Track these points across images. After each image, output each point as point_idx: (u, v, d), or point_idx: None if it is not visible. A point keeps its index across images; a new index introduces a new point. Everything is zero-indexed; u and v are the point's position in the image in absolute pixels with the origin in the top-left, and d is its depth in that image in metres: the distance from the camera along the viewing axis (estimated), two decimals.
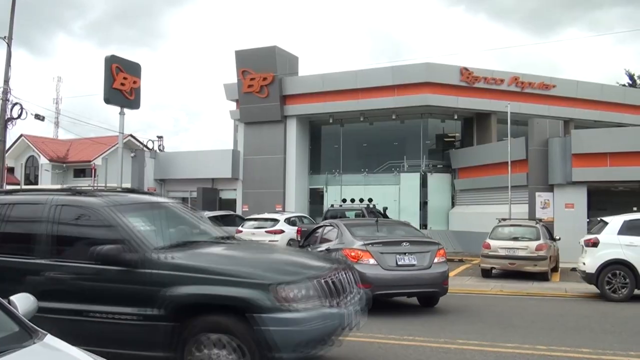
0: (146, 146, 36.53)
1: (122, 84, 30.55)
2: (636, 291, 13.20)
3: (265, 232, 20.97)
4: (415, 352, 7.82)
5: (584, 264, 13.78)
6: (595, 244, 13.62)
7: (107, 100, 30.26)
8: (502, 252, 17.25)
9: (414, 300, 12.39)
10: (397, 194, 29.32)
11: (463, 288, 15.61)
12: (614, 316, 11.16)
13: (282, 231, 21.22)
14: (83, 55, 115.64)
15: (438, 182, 29.70)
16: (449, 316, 11.02)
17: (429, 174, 29.46)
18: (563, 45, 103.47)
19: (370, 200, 24.88)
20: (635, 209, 21.07)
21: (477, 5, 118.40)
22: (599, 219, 15.40)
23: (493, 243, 17.62)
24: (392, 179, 29.81)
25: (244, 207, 29.94)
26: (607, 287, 13.17)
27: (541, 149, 22.81)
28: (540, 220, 19.57)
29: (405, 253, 11.01)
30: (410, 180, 29.40)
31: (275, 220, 21.77)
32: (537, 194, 22.63)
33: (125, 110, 31.24)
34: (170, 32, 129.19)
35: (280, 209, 27.84)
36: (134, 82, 31.35)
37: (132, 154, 33.03)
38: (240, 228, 21.87)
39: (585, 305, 12.61)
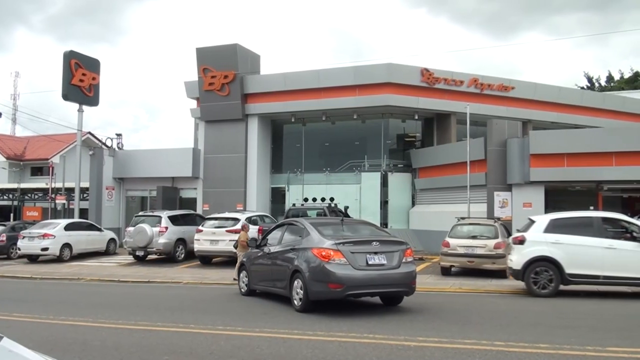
0: (105, 144, 35.98)
1: (80, 80, 30.09)
2: (562, 287, 13.69)
3: (226, 231, 20.80)
4: (375, 349, 7.82)
5: (511, 260, 14.19)
6: (522, 241, 14.05)
7: (66, 96, 29.78)
8: (461, 251, 17.48)
9: (373, 298, 12.48)
10: (358, 193, 29.40)
11: (423, 286, 15.70)
12: (571, 312, 11.38)
13: None
14: (42, 51, 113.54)
15: (398, 182, 29.87)
16: (409, 314, 11.08)
17: (389, 174, 29.60)
18: (522, 49, 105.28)
19: (331, 199, 24.91)
20: (592, 207, 21.50)
21: (439, 8, 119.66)
22: (528, 217, 15.87)
23: (452, 241, 17.85)
24: (353, 178, 29.88)
25: (205, 206, 29.66)
26: (532, 283, 13.63)
27: (500, 149, 23.12)
28: (498, 219, 19.85)
29: (375, 253, 10.99)
30: (371, 180, 29.51)
31: (236, 220, 21.60)
32: (495, 193, 22.92)
33: (84, 107, 30.79)
34: (132, 28, 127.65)
35: (242, 208, 27.64)
36: (93, 79, 30.90)
37: (91, 152, 32.46)
38: (200, 227, 21.66)
39: (542, 302, 12.80)
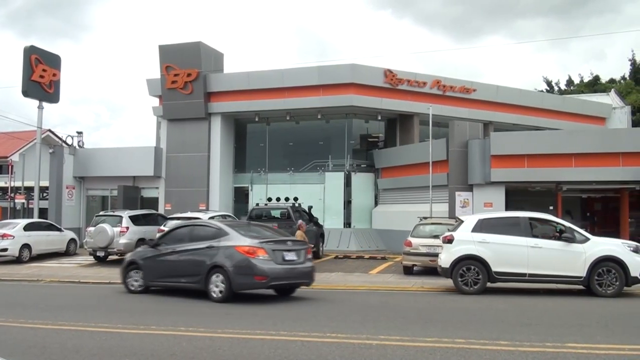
0: (65, 142, 35.31)
1: (41, 76, 29.55)
2: (489, 284, 14.11)
3: None
4: (337, 348, 7.86)
5: (440, 259, 14.61)
6: (450, 240, 14.44)
7: (25, 92, 29.20)
8: (423, 250, 17.69)
9: (339, 297, 12.57)
10: (322, 192, 29.46)
11: (385, 285, 15.89)
12: (532, 310, 11.59)
13: None
14: (2, 45, 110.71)
15: (362, 182, 30.01)
16: (371, 312, 11.17)
17: (353, 174, 29.73)
18: (485, 52, 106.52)
19: (295, 199, 24.89)
20: (551, 207, 21.98)
21: (403, 10, 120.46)
22: (457, 217, 16.16)
23: (414, 241, 18.06)
24: (317, 178, 29.93)
25: (167, 206, 29.35)
26: (460, 281, 14.03)
27: (461, 150, 23.38)
28: (459, 218, 20.07)
29: (289, 250, 13.06)
30: (334, 180, 29.60)
31: (198, 220, 21.43)
32: (457, 193, 23.17)
33: (44, 104, 30.22)
34: (95, 24, 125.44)
35: (204, 208, 27.47)
36: (54, 75, 30.36)
37: (51, 150, 31.84)
38: (162, 227, 21.41)
39: (504, 300, 13.03)
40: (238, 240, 12.82)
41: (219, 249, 12.84)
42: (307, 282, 13.50)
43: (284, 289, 13.59)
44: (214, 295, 12.63)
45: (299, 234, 17.43)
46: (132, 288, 14.46)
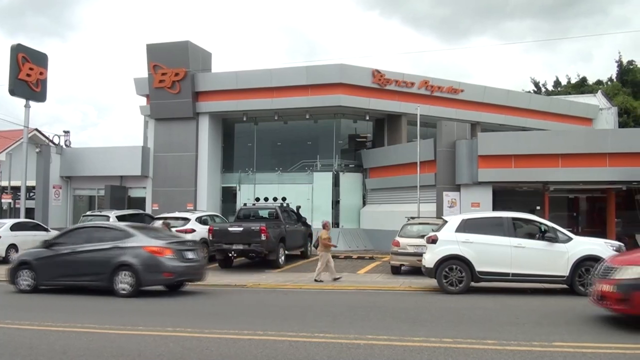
0: (52, 141, 35.11)
1: (28, 74, 29.32)
2: (475, 284, 14.29)
3: (176, 231, 20.56)
4: (325, 348, 7.86)
5: (425, 259, 14.74)
6: (434, 240, 14.57)
7: (12, 91, 28.98)
8: (411, 250, 17.73)
9: (327, 297, 12.54)
10: (310, 192, 29.44)
11: (373, 285, 15.92)
12: (518, 309, 11.63)
13: (193, 230, 20.88)
14: None
15: (350, 182, 30.03)
16: (359, 312, 11.18)
17: (341, 174, 29.75)
18: (473, 52, 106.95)
19: (283, 199, 24.83)
20: (538, 207, 22.09)
21: (391, 10, 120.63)
22: (442, 217, 16.24)
23: (402, 241, 18.10)
24: (305, 177, 29.91)
25: (154, 206, 29.26)
26: (444, 281, 14.14)
27: (449, 150, 23.46)
28: (444, 219, 20.12)
29: (189, 250, 14.51)
30: (323, 180, 29.59)
31: (186, 220, 21.38)
32: (444, 193, 23.24)
33: (31, 102, 30.00)
34: (83, 23, 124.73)
35: (192, 208, 27.40)
36: (41, 74, 30.14)
37: (37, 150, 31.68)
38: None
39: (491, 299, 13.09)
40: (145, 241, 14.01)
41: (125, 249, 13.84)
42: (199, 278, 14.83)
43: (172, 285, 14.68)
44: (122, 292, 13.59)
45: (324, 233, 17.38)
46: (22, 288, 14.88)
